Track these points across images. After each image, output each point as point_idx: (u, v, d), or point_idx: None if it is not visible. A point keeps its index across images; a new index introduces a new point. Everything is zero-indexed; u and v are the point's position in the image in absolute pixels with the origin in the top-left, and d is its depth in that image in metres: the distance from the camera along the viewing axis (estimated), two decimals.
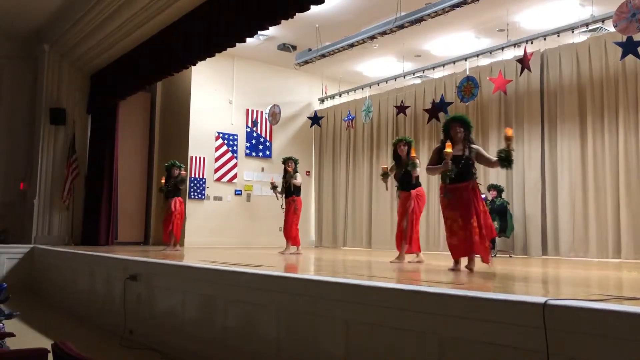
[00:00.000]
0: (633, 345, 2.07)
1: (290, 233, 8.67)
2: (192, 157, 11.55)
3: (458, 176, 5.00)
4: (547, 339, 2.28)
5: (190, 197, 11.21)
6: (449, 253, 5.25)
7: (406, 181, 6.70)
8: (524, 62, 8.24)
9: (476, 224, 4.89)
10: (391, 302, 3.03)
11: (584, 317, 2.24)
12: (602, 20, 8.23)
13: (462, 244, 4.94)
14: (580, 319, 2.24)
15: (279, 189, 8.79)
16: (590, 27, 8.54)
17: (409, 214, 6.59)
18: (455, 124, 5.15)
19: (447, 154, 4.96)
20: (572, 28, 8.68)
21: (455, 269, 5.05)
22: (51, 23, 10.33)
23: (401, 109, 10.68)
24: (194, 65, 9.15)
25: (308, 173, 8.74)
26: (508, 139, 4.87)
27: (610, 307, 2.21)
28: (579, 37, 8.97)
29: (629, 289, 3.87)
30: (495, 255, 8.70)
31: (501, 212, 9.04)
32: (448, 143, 5.02)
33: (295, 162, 8.85)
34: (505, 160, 4.87)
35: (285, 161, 8.86)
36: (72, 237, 10.82)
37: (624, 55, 7.05)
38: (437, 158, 5.18)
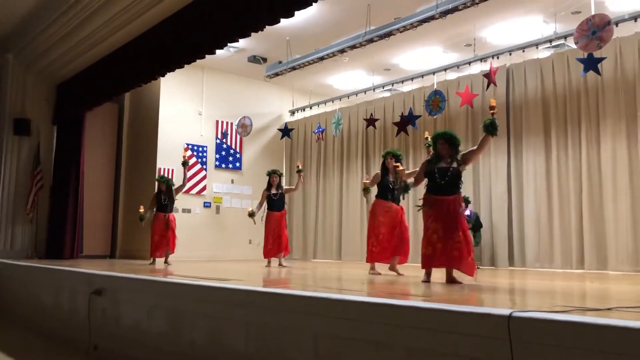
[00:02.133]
0: (596, 357, 2.11)
1: (286, 242, 8.93)
2: (160, 169, 11.40)
3: (444, 189, 5.07)
4: (512, 351, 2.31)
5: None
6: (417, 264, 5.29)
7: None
8: (489, 77, 8.40)
9: (460, 238, 4.93)
10: (359, 315, 3.03)
11: (548, 328, 2.27)
12: (565, 37, 8.47)
13: (438, 255, 4.95)
14: (544, 331, 2.28)
15: (259, 212, 8.91)
16: (554, 44, 8.78)
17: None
18: (439, 139, 5.25)
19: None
20: (536, 44, 8.90)
21: (427, 280, 5.08)
22: (15, 32, 10.11)
23: (371, 121, 10.77)
24: (163, 76, 9.08)
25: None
26: (492, 108, 5.06)
27: (574, 319, 2.25)
28: (543, 53, 9.21)
29: (592, 300, 3.96)
30: None
31: (478, 225, 9.05)
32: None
33: (280, 175, 9.15)
34: (489, 126, 5.00)
35: (270, 174, 8.94)
36: (36, 251, 10.56)
37: (585, 71, 7.26)
38: (422, 170, 5.36)
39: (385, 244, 6.72)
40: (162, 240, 8.94)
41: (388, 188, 6.88)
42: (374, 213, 6.93)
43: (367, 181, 7.20)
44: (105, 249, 11.92)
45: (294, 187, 9.43)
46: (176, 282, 4.79)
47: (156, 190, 9.26)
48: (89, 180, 11.34)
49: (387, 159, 6.92)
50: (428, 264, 5.08)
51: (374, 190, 7.13)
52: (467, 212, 8.50)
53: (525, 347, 2.29)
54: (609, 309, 2.81)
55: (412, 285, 5.13)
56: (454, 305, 2.75)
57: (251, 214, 8.76)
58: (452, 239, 4.92)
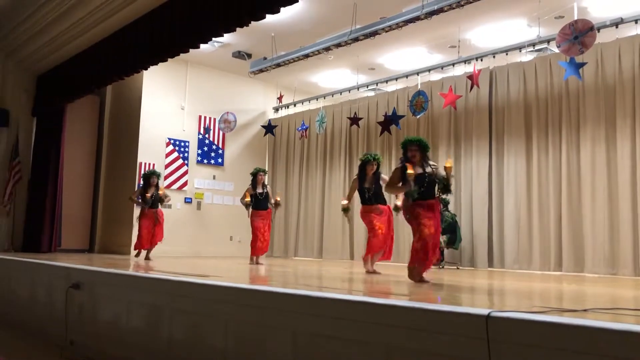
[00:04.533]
0: (572, 357, 2.14)
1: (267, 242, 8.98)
2: (141, 163, 11.30)
3: (424, 194, 5.07)
4: (489, 350, 2.33)
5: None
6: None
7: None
8: (472, 79, 8.45)
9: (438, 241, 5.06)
10: (338, 313, 3.03)
11: (525, 329, 2.29)
12: (548, 41, 8.55)
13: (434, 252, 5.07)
14: (522, 331, 2.30)
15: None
16: (537, 47, 8.86)
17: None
18: (411, 145, 5.24)
19: (409, 175, 5.04)
20: (519, 47, 8.98)
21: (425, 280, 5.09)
22: None
23: (354, 120, 10.78)
24: (146, 69, 8.99)
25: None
26: (447, 169, 5.12)
27: (551, 319, 2.27)
28: (526, 56, 9.29)
29: (569, 301, 4.01)
30: (443, 267, 8.86)
31: (451, 227, 9.11)
32: (410, 165, 5.13)
33: (266, 173, 9.13)
34: (444, 188, 5.14)
35: (257, 173, 8.88)
36: (13, 244, 10.40)
37: (567, 75, 7.35)
38: (398, 177, 5.22)
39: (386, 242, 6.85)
40: (149, 234, 8.91)
41: (365, 195, 6.90)
42: (367, 216, 6.91)
43: (346, 202, 7.21)
44: (84, 243, 11.79)
45: (273, 202, 8.99)
46: (155, 277, 4.75)
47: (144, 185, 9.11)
48: (68, 174, 11.20)
49: (372, 164, 6.92)
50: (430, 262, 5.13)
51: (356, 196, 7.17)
52: None
53: (503, 346, 2.32)
54: (585, 310, 2.84)
55: (393, 283, 5.15)
56: (433, 304, 2.76)
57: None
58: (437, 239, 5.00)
